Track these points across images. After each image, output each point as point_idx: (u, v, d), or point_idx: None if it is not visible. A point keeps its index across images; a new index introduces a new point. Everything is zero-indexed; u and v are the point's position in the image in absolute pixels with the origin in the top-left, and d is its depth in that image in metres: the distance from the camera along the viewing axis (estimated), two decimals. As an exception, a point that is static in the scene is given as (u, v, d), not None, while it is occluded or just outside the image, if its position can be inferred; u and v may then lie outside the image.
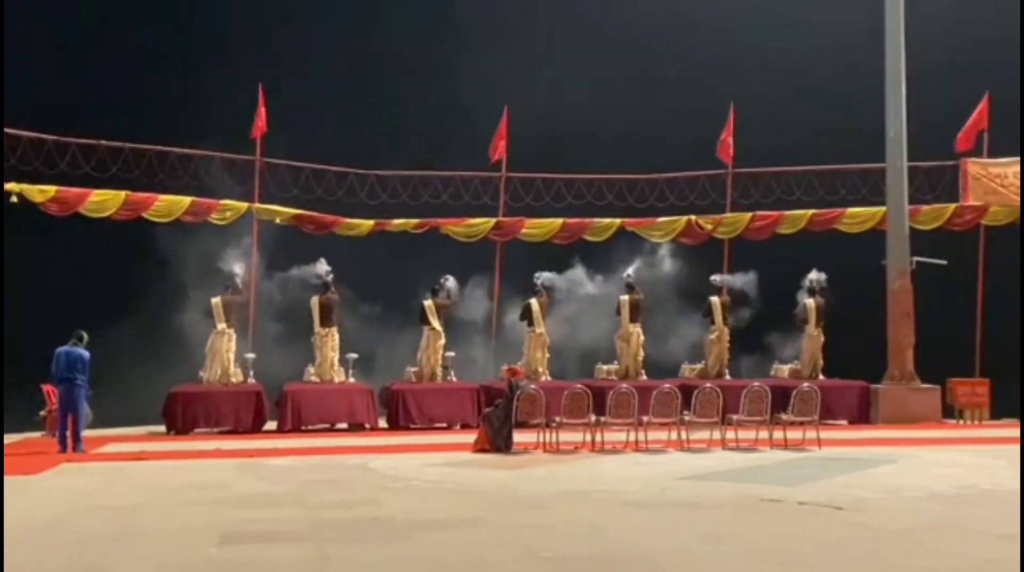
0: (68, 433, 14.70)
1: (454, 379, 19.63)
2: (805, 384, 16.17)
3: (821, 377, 20.41)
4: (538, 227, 22.07)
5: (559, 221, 22.05)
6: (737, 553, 7.84)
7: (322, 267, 19.20)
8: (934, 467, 13.01)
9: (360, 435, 17.45)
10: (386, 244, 21.26)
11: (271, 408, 18.28)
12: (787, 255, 21.63)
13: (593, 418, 14.80)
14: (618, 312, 20.50)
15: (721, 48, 22.59)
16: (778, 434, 15.21)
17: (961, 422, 19.92)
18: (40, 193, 18.57)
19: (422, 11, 22.61)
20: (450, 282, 19.68)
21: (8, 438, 16.08)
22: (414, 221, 21.52)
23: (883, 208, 21.22)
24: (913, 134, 20.56)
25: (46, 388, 16.65)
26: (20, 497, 10.46)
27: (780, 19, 22.92)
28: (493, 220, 21.96)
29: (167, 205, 19.59)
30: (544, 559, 7.60)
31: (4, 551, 7.53)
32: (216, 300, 18.68)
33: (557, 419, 14.74)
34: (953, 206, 21.78)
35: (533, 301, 20.12)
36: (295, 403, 18.19)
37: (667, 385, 15.71)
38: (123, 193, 19.23)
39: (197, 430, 17.75)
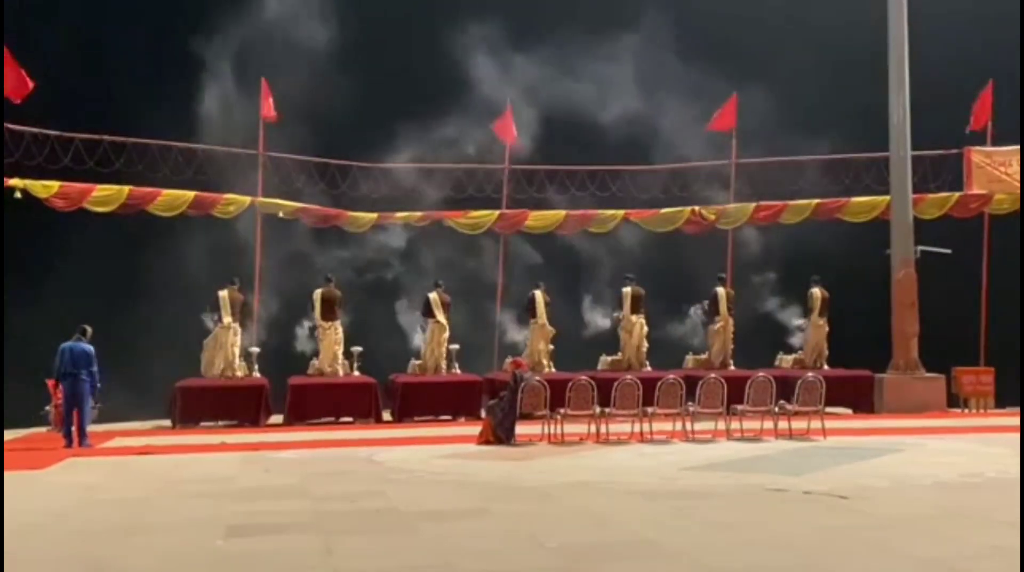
0: (74, 428, 14.75)
1: (458, 371, 19.65)
2: (810, 374, 16.13)
3: (825, 367, 20.44)
4: (541, 219, 22.06)
5: (562, 213, 22.02)
6: (742, 542, 7.85)
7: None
8: (939, 456, 13.01)
9: (365, 428, 17.46)
10: (389, 237, 21.24)
11: (275, 401, 18.31)
12: (790, 245, 21.61)
13: (597, 409, 14.80)
14: (620, 304, 20.49)
15: (725, 37, 22.50)
16: (783, 424, 15.22)
17: (966, 411, 19.89)
18: (44, 188, 18.58)
19: (424, 2, 22.53)
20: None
21: (14, 433, 16.14)
22: (418, 214, 21.51)
23: (887, 197, 21.16)
24: (917, 123, 20.50)
25: (51, 383, 16.67)
26: (27, 492, 10.50)
27: (784, 8, 22.83)
28: (496, 212, 21.95)
29: (170, 199, 19.59)
30: (549, 549, 7.62)
31: (5, 544, 7.56)
32: (223, 293, 18.69)
33: (561, 411, 14.75)
34: (957, 195, 21.72)
35: (537, 292, 20.12)
36: (299, 396, 18.22)
37: (671, 376, 15.69)
38: (126, 188, 19.24)
39: (202, 424, 17.79)
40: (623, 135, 21.52)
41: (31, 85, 17.90)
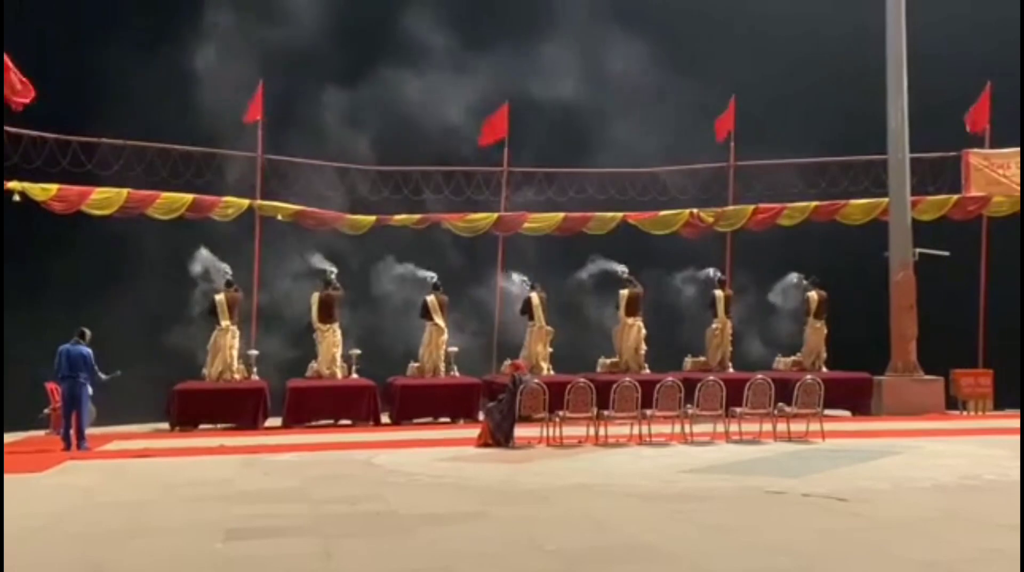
0: (72, 431, 14.74)
1: (456, 374, 19.64)
2: (808, 376, 16.15)
3: (824, 369, 20.43)
4: (540, 221, 22.05)
5: (560, 215, 22.01)
6: (741, 545, 7.85)
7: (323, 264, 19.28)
8: (938, 458, 13.01)
9: (363, 430, 17.45)
10: (388, 240, 21.23)
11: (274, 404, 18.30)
12: (789, 247, 21.61)
13: (596, 412, 14.79)
14: (617, 306, 20.47)
15: (723, 39, 22.50)
16: (781, 426, 15.22)
17: (965, 413, 19.91)
18: (42, 191, 18.57)
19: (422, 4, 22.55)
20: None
21: (12, 436, 16.12)
22: (416, 216, 21.49)
23: (885, 199, 21.18)
24: (915, 125, 20.50)
25: (49, 386, 16.67)
26: (25, 495, 10.48)
27: (782, 10, 22.84)
28: (495, 215, 21.94)
29: (169, 202, 19.56)
30: (548, 552, 7.62)
31: (5, 548, 7.55)
32: (220, 297, 18.67)
33: (560, 413, 14.74)
34: (955, 197, 21.74)
35: (533, 295, 20.11)
36: (298, 399, 18.20)
37: (670, 378, 15.69)
38: (125, 191, 19.22)
39: (201, 427, 17.77)
40: (622, 136, 21.53)
41: (33, 92, 17.83)
